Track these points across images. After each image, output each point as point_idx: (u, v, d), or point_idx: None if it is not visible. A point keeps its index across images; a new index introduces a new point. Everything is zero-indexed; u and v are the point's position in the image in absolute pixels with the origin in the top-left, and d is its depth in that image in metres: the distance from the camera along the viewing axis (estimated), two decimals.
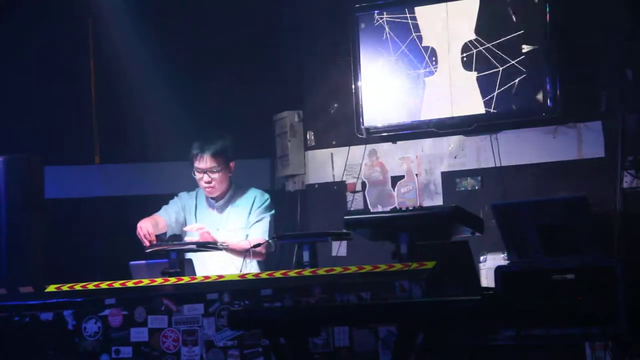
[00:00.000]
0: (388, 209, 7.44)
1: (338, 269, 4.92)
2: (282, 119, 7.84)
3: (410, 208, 6.84)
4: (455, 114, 7.19)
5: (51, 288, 5.32)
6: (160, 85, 7.61)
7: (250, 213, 6.22)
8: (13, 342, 5.31)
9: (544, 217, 4.62)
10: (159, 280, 5.23)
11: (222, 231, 6.15)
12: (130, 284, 5.27)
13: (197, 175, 6.18)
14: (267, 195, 6.32)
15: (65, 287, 5.30)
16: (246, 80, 7.72)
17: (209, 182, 6.16)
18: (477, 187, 7.24)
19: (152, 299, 5.12)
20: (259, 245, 5.91)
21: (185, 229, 6.16)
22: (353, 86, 7.50)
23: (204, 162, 6.13)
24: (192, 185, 6.31)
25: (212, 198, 6.25)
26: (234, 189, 6.27)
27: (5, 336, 5.33)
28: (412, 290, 4.63)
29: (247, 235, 6.15)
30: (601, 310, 4.36)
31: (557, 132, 6.98)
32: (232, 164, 6.22)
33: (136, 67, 7.64)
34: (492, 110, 7.06)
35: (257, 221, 6.22)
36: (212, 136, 6.19)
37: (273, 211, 6.29)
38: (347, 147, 7.64)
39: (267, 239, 6.07)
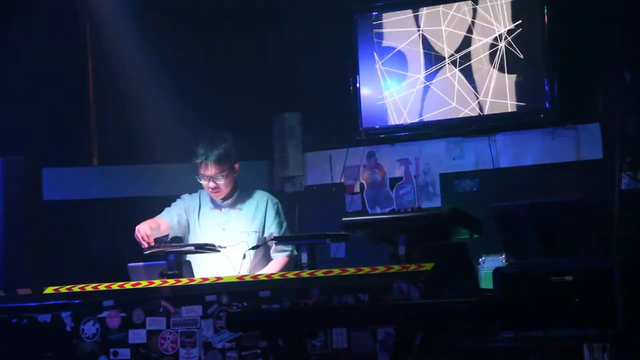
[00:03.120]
0: (386, 210, 7.44)
1: (336, 271, 4.91)
2: (281, 120, 7.83)
3: (409, 210, 6.84)
4: (454, 116, 7.19)
5: (49, 290, 5.31)
6: (158, 86, 7.60)
7: (265, 219, 6.12)
8: (11, 344, 5.29)
9: (542, 218, 4.62)
10: (157, 282, 5.22)
11: (227, 231, 6.10)
12: (128, 285, 5.26)
13: (203, 182, 6.10)
14: (276, 200, 6.24)
15: (63, 289, 5.29)
16: (245, 81, 7.71)
17: (215, 188, 6.11)
18: (475, 189, 7.24)
19: (150, 300, 5.11)
20: (257, 247, 5.89)
21: None
22: (351, 87, 7.51)
23: (209, 169, 6.02)
24: (192, 187, 6.27)
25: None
26: (240, 189, 6.22)
27: (3, 338, 5.31)
28: (411, 291, 4.62)
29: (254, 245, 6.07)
30: (599, 312, 4.37)
31: (556, 133, 6.98)
32: (236, 165, 6.12)
33: (134, 69, 7.63)
34: (490, 112, 7.06)
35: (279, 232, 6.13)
36: (214, 140, 6.05)
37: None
38: (346, 149, 7.64)
39: (289, 250, 6.02)
